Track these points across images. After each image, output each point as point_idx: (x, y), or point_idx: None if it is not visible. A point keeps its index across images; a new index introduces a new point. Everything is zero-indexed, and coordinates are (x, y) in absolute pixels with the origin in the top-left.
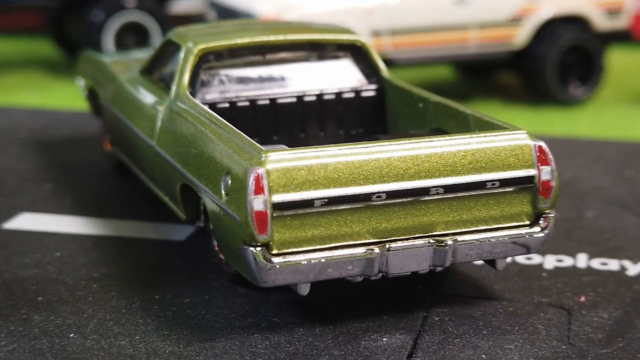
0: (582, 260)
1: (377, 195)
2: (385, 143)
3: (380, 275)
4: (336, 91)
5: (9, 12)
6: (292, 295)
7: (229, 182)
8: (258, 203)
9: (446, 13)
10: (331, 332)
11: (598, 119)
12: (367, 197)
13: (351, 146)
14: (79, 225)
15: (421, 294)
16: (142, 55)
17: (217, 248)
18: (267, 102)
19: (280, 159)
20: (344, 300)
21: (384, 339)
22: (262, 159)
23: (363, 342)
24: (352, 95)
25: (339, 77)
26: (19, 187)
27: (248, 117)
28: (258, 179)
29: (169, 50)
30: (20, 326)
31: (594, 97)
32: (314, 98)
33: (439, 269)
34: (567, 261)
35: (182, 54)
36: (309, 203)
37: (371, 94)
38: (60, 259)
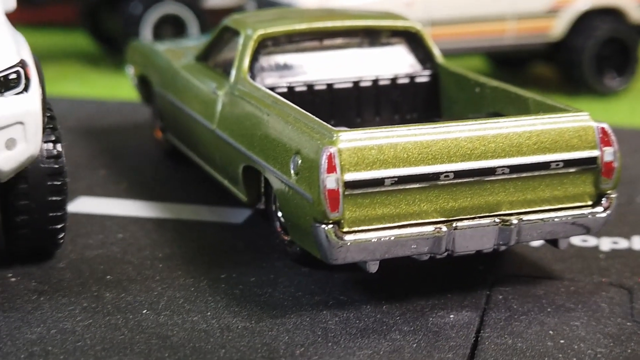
0: (637, 243)
1: (444, 174)
2: (453, 124)
3: (445, 253)
4: (391, 77)
5: (45, 6)
6: (355, 274)
7: (299, 161)
8: (330, 181)
9: (484, 4)
10: (398, 309)
11: (635, 109)
12: (435, 176)
13: (420, 126)
14: (138, 209)
15: (482, 274)
16: (193, 43)
17: (279, 229)
18: (324, 87)
19: (352, 138)
20: (406, 279)
21: (451, 316)
22: (334, 138)
23: (431, 319)
24: (406, 80)
25: (394, 63)
26: (75, 173)
27: (306, 101)
28: (330, 158)
29: (225, 36)
30: (93, 303)
31: (629, 88)
32: (369, 83)
33: (502, 248)
34: (623, 243)
35: (241, 40)
36: (379, 182)
37: (425, 79)
38: (123, 240)
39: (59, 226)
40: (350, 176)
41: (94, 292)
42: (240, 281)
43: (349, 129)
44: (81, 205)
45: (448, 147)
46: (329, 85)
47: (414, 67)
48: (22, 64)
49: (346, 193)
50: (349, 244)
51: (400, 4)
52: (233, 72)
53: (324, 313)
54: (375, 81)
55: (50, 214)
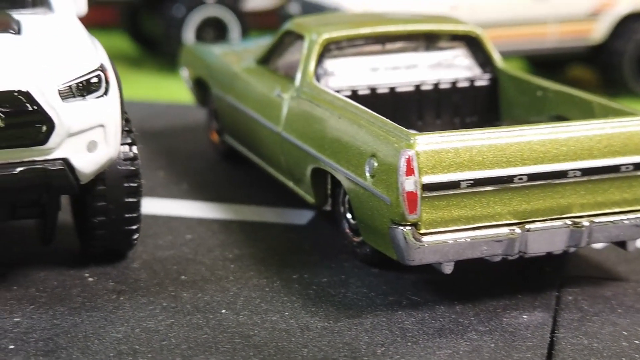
0: None
1: (518, 177)
2: (527, 127)
3: (517, 255)
4: (452, 80)
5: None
6: (423, 274)
7: (375, 164)
8: (409, 184)
9: (527, 8)
10: (471, 310)
11: None
12: (509, 179)
13: (495, 130)
14: (202, 210)
15: (548, 275)
16: (248, 45)
17: (348, 231)
18: (387, 90)
19: (429, 141)
20: (475, 279)
21: (524, 316)
22: (412, 141)
23: (505, 319)
24: (467, 84)
25: (454, 66)
26: None
27: (368, 105)
28: (409, 161)
29: (287, 40)
30: (172, 302)
31: None
32: (430, 87)
33: (572, 249)
34: None
35: (306, 44)
36: (455, 184)
37: (485, 83)
38: (192, 241)
39: (134, 227)
40: (428, 179)
41: (172, 292)
42: (312, 282)
43: (426, 133)
44: (146, 206)
45: (522, 150)
46: (391, 89)
47: (474, 71)
48: (102, 67)
49: (424, 195)
50: (426, 245)
51: (445, 6)
52: (298, 76)
53: (399, 313)
54: (436, 85)
55: (127, 215)
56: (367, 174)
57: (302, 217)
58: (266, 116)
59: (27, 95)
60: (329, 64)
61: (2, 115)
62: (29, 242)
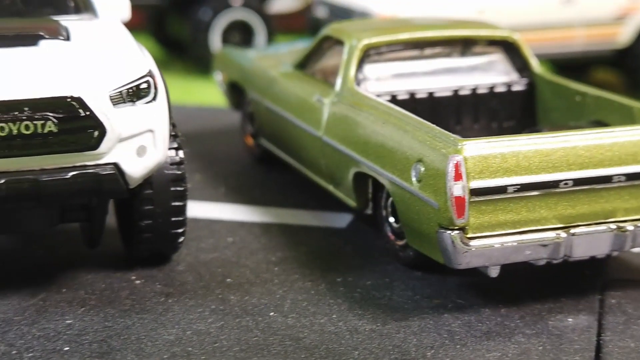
0: None
1: (564, 182)
2: (572, 133)
3: (562, 259)
4: (489, 85)
5: None
6: (466, 277)
7: (422, 169)
8: (457, 189)
9: (553, 12)
10: (516, 313)
11: None
12: (554, 184)
13: (540, 136)
14: (241, 213)
15: (589, 278)
16: (282, 50)
17: (390, 234)
18: (426, 95)
19: (477, 147)
20: (517, 282)
21: (569, 319)
22: (459, 147)
23: (550, 322)
24: (504, 89)
25: (492, 71)
26: None
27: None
28: (457, 166)
29: (326, 46)
30: (220, 305)
31: None
32: (468, 92)
33: (615, 253)
34: None
35: (346, 50)
36: (502, 189)
37: (522, 88)
38: (234, 244)
39: (180, 230)
40: (475, 184)
41: (219, 294)
42: (357, 284)
43: (473, 138)
44: None
45: (567, 155)
46: (430, 94)
47: (511, 76)
48: (151, 73)
49: (471, 200)
50: (473, 249)
51: (472, 10)
52: (339, 81)
53: (446, 316)
54: (474, 90)
55: (173, 219)
56: (414, 179)
57: (342, 220)
58: (306, 120)
59: (80, 101)
60: (368, 69)
61: (55, 120)
62: (73, 245)
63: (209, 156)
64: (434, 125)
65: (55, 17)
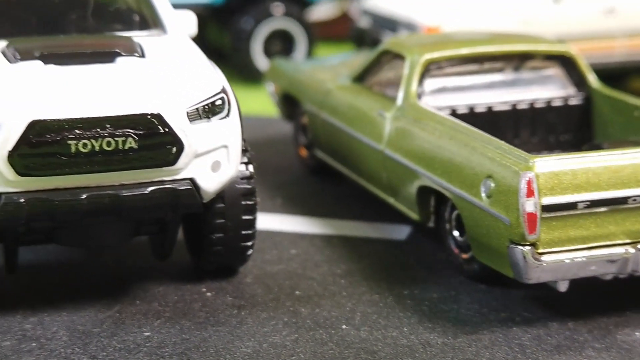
0: None
1: (632, 198)
2: None
3: (629, 274)
4: (547, 99)
5: None
6: (531, 290)
7: (492, 185)
8: (529, 205)
9: (596, 22)
10: (584, 327)
11: None
12: (624, 200)
13: (610, 152)
14: (301, 224)
15: None
16: (334, 61)
17: (454, 247)
18: (485, 109)
19: (548, 164)
20: (581, 296)
21: (636, 334)
22: (531, 163)
23: (618, 336)
24: (561, 103)
25: (549, 85)
26: None
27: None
28: (530, 183)
29: (385, 59)
30: (293, 318)
31: None
32: (526, 106)
33: None
34: None
35: (407, 64)
36: (572, 205)
37: (579, 102)
38: (298, 256)
39: (249, 243)
40: (547, 200)
41: (289, 307)
42: (424, 297)
43: (544, 155)
44: None
45: (636, 172)
46: (489, 108)
47: (568, 90)
48: (224, 90)
49: (542, 216)
50: (544, 264)
51: (515, 21)
52: (400, 95)
53: (514, 329)
54: (531, 103)
55: (243, 232)
56: (484, 195)
57: (401, 232)
58: (366, 134)
59: (159, 118)
60: (428, 83)
61: (135, 137)
62: (140, 256)
63: (262, 166)
64: (503, 142)
65: (126, 33)
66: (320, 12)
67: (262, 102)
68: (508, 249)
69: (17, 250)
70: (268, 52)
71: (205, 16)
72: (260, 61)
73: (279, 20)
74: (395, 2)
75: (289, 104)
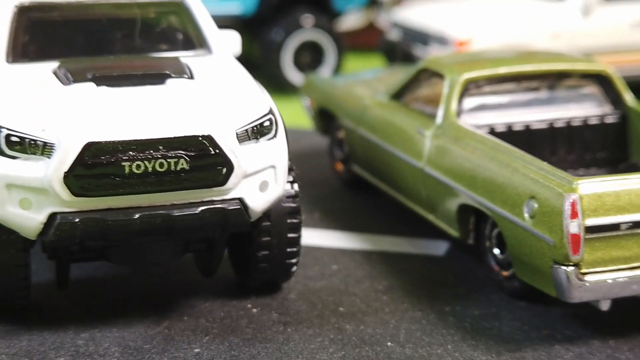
0: None
1: None
2: None
3: None
4: (583, 118)
5: None
6: (570, 308)
7: (535, 205)
8: (573, 226)
9: (625, 36)
10: (624, 345)
11: None
12: None
13: None
14: (340, 239)
15: None
16: (368, 77)
17: (493, 265)
18: (522, 128)
19: (591, 186)
20: (621, 313)
21: None
22: (574, 185)
23: None
24: (597, 122)
25: (586, 104)
26: None
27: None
28: (574, 205)
29: (423, 77)
30: (338, 335)
31: None
32: (563, 124)
33: None
34: None
35: (447, 83)
36: (615, 226)
37: (616, 120)
38: (339, 272)
39: (294, 260)
40: (590, 221)
41: (334, 324)
42: (465, 314)
43: (587, 177)
44: None
45: None
46: (527, 126)
47: (604, 108)
48: (272, 111)
49: (586, 237)
50: (587, 284)
51: (547, 36)
52: (440, 114)
53: (557, 347)
54: (568, 122)
55: (288, 249)
56: (526, 215)
57: (439, 247)
58: (406, 151)
59: (210, 140)
60: (467, 101)
61: (187, 158)
62: (185, 272)
63: (298, 180)
64: (545, 163)
65: (172, 54)
66: (347, 22)
67: (293, 113)
68: (551, 268)
69: (69, 266)
70: (298, 63)
71: (235, 28)
72: (290, 72)
73: (308, 32)
74: (426, 15)
75: (325, 118)
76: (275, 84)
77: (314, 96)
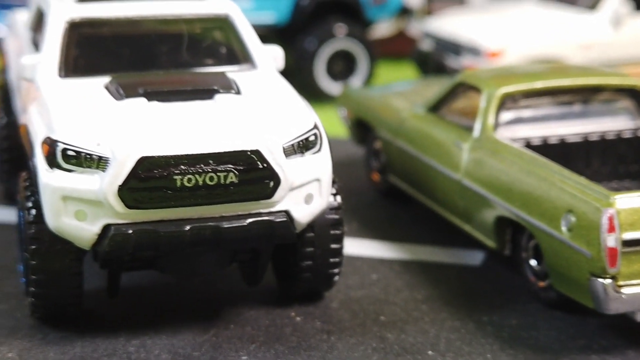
0: None
1: None
2: None
3: None
4: (617, 131)
5: None
6: (605, 318)
7: (573, 219)
8: (611, 240)
9: None
10: None
11: None
12: None
13: None
14: (379, 249)
15: None
16: (404, 88)
17: (530, 276)
18: (557, 141)
19: (628, 200)
20: None
21: None
22: (612, 200)
23: None
24: (631, 135)
25: (619, 117)
26: None
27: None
28: (611, 219)
29: (460, 90)
30: (381, 343)
31: None
32: (597, 138)
33: None
34: None
35: (484, 97)
36: None
37: None
38: (379, 281)
39: (336, 270)
40: (627, 235)
41: (376, 332)
42: (503, 324)
43: (624, 192)
44: None
45: None
46: (562, 140)
47: (637, 122)
48: (316, 126)
49: (623, 250)
50: (624, 296)
51: (579, 47)
52: (477, 127)
53: (593, 357)
54: (602, 135)
55: (331, 260)
56: (564, 228)
57: (475, 257)
58: (443, 163)
59: (259, 154)
60: (504, 115)
61: (236, 172)
62: (230, 280)
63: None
64: (582, 177)
65: (217, 68)
66: (378, 31)
67: (326, 121)
68: (589, 281)
69: (120, 275)
70: (331, 72)
71: (269, 37)
72: (323, 81)
73: (341, 41)
74: (458, 25)
75: (362, 129)
76: (309, 93)
77: (351, 107)
